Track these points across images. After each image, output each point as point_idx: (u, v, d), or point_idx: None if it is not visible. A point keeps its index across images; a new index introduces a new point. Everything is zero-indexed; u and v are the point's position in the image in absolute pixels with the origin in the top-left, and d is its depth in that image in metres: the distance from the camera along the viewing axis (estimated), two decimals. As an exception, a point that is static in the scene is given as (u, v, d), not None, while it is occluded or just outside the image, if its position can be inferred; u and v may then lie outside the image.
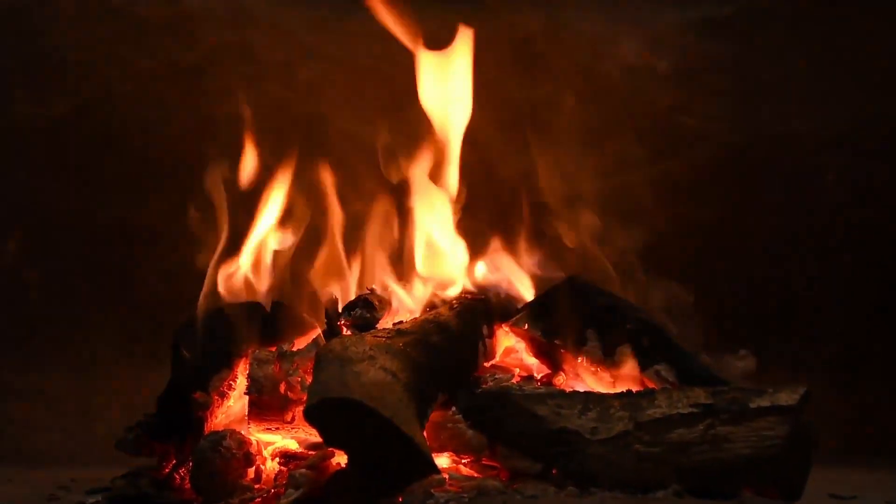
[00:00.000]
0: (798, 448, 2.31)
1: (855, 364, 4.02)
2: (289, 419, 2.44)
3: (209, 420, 2.55)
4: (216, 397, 2.58)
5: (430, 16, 4.12)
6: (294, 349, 2.50)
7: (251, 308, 2.70)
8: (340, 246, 2.85)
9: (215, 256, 2.76)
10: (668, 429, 2.29)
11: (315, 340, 2.54)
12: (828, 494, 2.70)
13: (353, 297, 2.72)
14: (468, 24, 2.89)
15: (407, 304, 2.71)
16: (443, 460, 2.37)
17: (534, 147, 3.11)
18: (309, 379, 2.32)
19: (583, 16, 4.21)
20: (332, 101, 4.03)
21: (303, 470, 2.30)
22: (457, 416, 2.39)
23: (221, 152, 2.95)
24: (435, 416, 2.37)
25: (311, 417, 2.13)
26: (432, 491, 2.18)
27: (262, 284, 2.79)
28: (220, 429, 2.49)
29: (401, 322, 2.50)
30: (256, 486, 2.39)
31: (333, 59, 4.09)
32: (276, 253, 2.82)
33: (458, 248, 2.83)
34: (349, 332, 2.52)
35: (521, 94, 4.17)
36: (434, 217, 2.86)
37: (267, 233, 2.80)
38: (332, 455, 2.32)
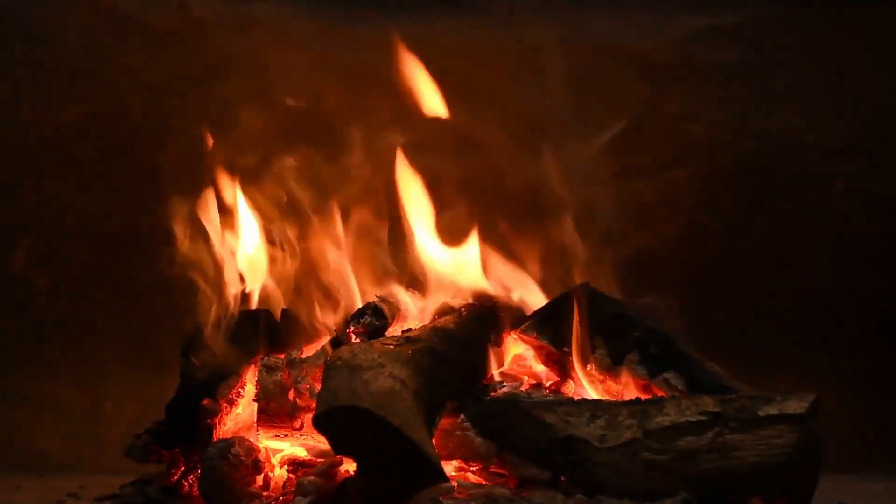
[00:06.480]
0: (807, 456, 2.30)
1: (865, 372, 4.01)
2: (297, 426, 2.43)
3: (218, 427, 2.55)
4: (224, 404, 2.58)
5: (437, 25, 4.15)
6: (303, 356, 2.50)
7: (259, 315, 2.71)
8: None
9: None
10: (676, 437, 2.28)
11: (324, 348, 2.54)
12: (837, 503, 2.70)
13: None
14: (474, 32, 2.90)
15: (416, 311, 2.71)
16: (451, 468, 2.37)
17: (542, 155, 3.11)
18: (318, 386, 2.32)
19: (590, 24, 4.20)
20: (341, 109, 4.04)
21: (311, 477, 2.30)
22: (465, 424, 2.39)
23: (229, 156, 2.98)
24: (444, 423, 2.37)
25: (320, 425, 2.13)
26: (441, 499, 2.18)
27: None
28: (229, 436, 2.49)
29: (409, 329, 2.50)
30: (265, 494, 2.39)
31: (344, 67, 4.09)
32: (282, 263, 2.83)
33: (467, 256, 2.83)
34: (358, 340, 2.52)
35: (530, 103, 4.17)
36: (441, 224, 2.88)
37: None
38: (341, 463, 2.32)
